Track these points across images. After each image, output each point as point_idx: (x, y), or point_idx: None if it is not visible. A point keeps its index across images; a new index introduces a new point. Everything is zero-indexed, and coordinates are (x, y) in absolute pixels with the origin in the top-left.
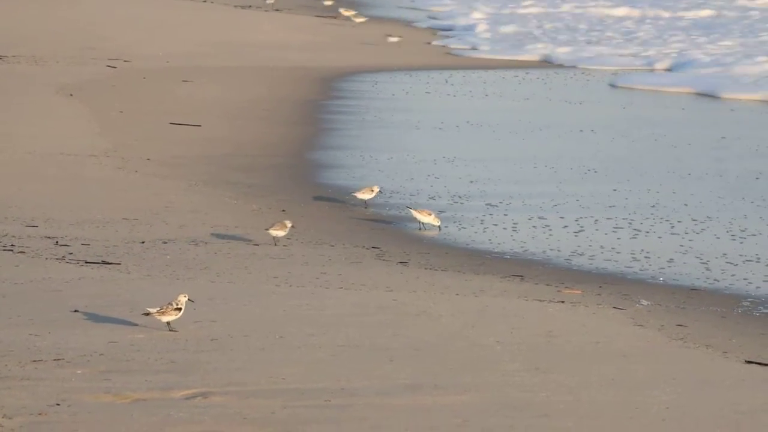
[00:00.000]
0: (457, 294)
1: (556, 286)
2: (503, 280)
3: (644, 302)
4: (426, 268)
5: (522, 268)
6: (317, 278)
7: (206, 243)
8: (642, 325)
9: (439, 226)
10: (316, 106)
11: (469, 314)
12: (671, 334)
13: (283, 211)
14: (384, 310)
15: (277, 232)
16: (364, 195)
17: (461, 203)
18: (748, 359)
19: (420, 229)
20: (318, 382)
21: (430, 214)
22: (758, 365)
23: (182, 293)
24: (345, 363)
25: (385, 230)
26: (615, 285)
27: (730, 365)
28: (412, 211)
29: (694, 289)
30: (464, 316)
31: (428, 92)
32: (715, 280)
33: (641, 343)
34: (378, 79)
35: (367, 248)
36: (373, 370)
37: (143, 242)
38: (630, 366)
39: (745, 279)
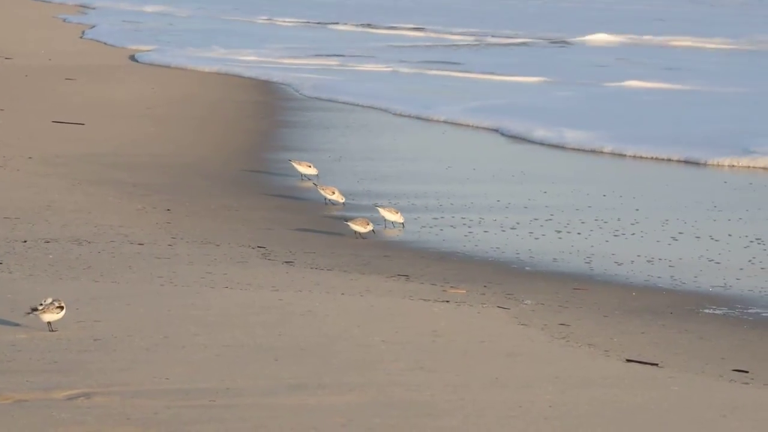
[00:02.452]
0: (343, 293)
1: (441, 286)
2: (389, 279)
3: (528, 301)
4: (312, 268)
5: (408, 268)
6: (202, 278)
7: (90, 242)
8: (526, 325)
9: (402, 224)
10: (203, 104)
11: (355, 314)
12: (554, 333)
13: (168, 210)
14: (269, 309)
15: (358, 228)
16: (358, 227)
17: (350, 201)
18: (628, 358)
19: (384, 228)
20: (202, 382)
21: (396, 212)
22: (638, 364)
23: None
24: (230, 363)
25: (271, 230)
26: (499, 284)
27: (611, 364)
28: (379, 209)
29: (577, 289)
30: (350, 316)
31: None
32: (597, 279)
33: (525, 342)
34: None
35: (253, 248)
36: (258, 369)
37: (25, 241)
38: (514, 365)
39: (626, 278)
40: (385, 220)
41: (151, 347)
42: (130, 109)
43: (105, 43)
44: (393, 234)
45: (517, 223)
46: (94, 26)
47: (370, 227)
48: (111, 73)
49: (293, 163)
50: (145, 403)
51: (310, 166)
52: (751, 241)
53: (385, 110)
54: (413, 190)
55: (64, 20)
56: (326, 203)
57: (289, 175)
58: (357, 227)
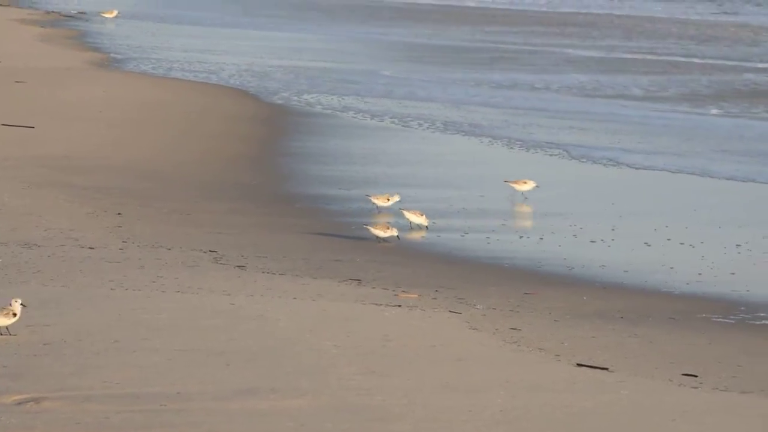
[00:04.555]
0: (295, 298)
1: (393, 291)
2: (341, 284)
3: (479, 306)
4: (263, 272)
5: (360, 273)
6: (153, 282)
7: (39, 246)
8: (477, 329)
9: (427, 226)
10: (157, 108)
11: (307, 318)
12: (505, 338)
13: (119, 214)
14: (221, 314)
15: (379, 232)
16: (379, 231)
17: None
18: (579, 362)
19: (411, 228)
20: (153, 386)
21: (421, 215)
22: (589, 368)
23: (15, 298)
24: (181, 367)
25: (222, 234)
26: (451, 289)
27: (561, 368)
28: (404, 212)
29: (528, 293)
30: (302, 320)
31: None
32: (549, 283)
33: (476, 347)
34: None
35: (204, 252)
36: (210, 374)
37: None
38: (465, 369)
39: (578, 283)
40: (411, 222)
41: (102, 352)
42: (82, 112)
43: (59, 46)
44: (343, 240)
45: (470, 228)
46: (48, 28)
47: (390, 232)
48: (63, 76)
49: (405, 213)
50: (95, 407)
51: (421, 215)
52: (702, 245)
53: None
54: (362, 194)
55: (22, 22)
56: (411, 228)
57: (240, 179)
58: (378, 232)
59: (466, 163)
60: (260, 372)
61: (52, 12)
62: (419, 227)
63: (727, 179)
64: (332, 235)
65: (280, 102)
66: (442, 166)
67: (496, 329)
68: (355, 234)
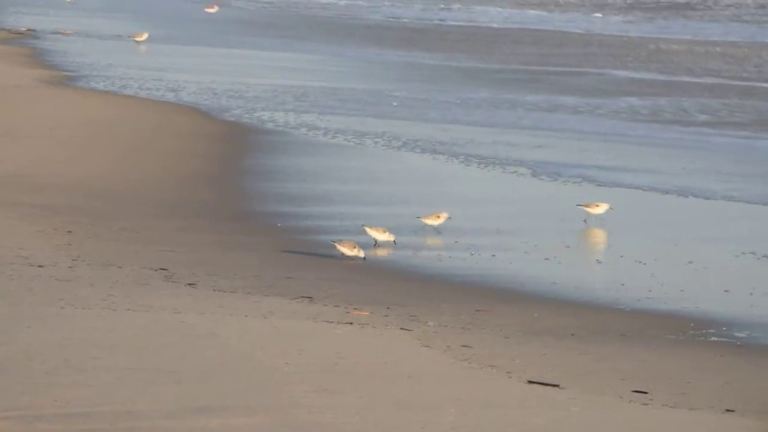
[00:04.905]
0: (246, 315)
1: (345, 308)
2: (292, 301)
3: (431, 323)
4: (215, 290)
5: (311, 290)
6: (104, 300)
7: None
8: (429, 346)
9: (394, 242)
10: (109, 126)
11: (258, 336)
12: (457, 355)
13: (69, 232)
14: (172, 332)
15: (345, 250)
16: (345, 249)
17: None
18: (530, 379)
19: (375, 246)
20: (104, 405)
21: (384, 232)
22: (540, 385)
23: None
24: (132, 386)
25: (173, 251)
26: (403, 306)
27: (513, 385)
28: (366, 228)
29: (479, 310)
30: (253, 338)
31: None
32: (500, 300)
33: (428, 364)
34: None
35: (155, 270)
36: (161, 392)
37: None
38: (417, 387)
39: (529, 300)
40: (375, 240)
41: (52, 370)
42: (32, 130)
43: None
44: (295, 256)
45: (422, 245)
46: None
47: (357, 251)
48: (13, 94)
49: (367, 229)
50: (45, 427)
51: (384, 232)
52: (655, 262)
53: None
54: (317, 212)
55: None
56: (375, 246)
57: (193, 196)
58: (344, 249)
59: (419, 180)
60: (211, 390)
61: (1, 29)
62: (386, 244)
63: (687, 197)
64: (285, 252)
65: (232, 119)
66: (396, 184)
67: (448, 346)
68: (307, 251)
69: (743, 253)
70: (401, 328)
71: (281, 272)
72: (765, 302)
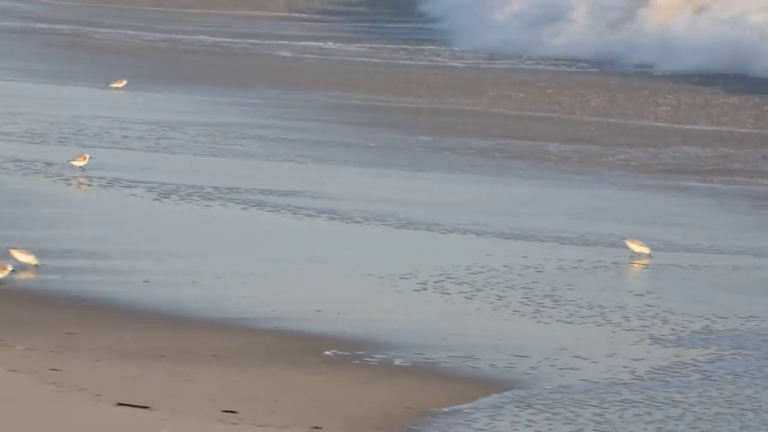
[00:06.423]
0: None
1: None
2: None
3: (18, 347)
4: None
5: None
6: None
7: None
8: (15, 371)
9: (36, 265)
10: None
11: None
12: (45, 379)
13: None
14: None
15: None
16: None
17: None
18: (120, 401)
19: (16, 271)
20: None
21: (30, 254)
22: (129, 407)
23: None
24: None
25: None
26: None
27: (102, 408)
28: (12, 251)
29: (69, 333)
30: None
31: None
32: (91, 323)
33: (15, 389)
34: None
35: None
36: None
37: None
38: (4, 413)
39: (119, 323)
40: (20, 263)
41: None
42: None
43: None
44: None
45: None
46: None
47: (4, 272)
48: None
49: None
50: None
51: (30, 254)
52: (251, 282)
53: None
54: None
55: None
56: None
57: None
58: None
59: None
60: None
61: None
62: (28, 267)
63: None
64: None
65: None
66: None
67: (35, 370)
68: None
69: (355, 274)
70: None
71: None
72: (358, 319)
